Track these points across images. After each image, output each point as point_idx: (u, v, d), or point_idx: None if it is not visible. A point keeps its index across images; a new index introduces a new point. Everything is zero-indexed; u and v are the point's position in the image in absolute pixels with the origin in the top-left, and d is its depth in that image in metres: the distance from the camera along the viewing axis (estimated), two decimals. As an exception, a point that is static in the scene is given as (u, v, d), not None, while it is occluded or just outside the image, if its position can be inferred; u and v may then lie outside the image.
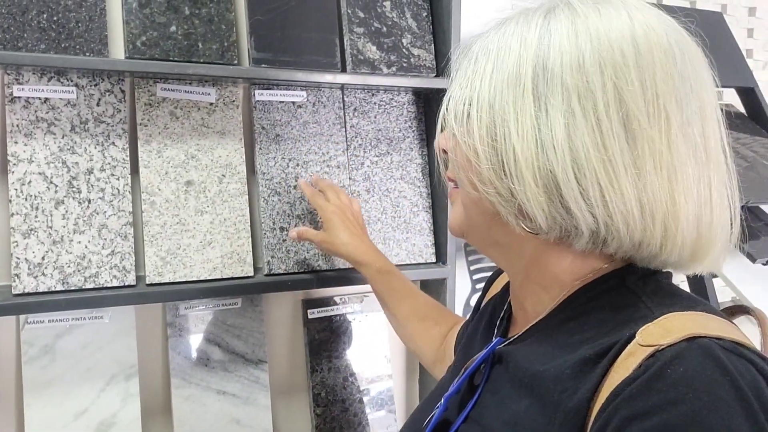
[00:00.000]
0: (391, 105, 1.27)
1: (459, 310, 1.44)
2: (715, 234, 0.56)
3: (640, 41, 0.53)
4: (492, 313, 0.77)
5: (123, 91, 1.07)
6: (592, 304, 0.58)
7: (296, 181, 1.18)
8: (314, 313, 1.28)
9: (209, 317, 1.18)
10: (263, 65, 1.11)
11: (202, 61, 1.06)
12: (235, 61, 1.09)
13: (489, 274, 0.98)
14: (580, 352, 0.54)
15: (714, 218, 0.55)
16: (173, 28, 1.04)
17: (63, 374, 1.07)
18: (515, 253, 0.63)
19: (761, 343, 0.59)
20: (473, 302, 1.25)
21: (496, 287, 0.84)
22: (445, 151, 0.66)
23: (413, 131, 1.29)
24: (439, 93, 1.24)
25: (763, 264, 1.32)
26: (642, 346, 0.49)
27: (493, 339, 0.68)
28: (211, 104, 1.13)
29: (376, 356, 1.32)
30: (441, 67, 1.24)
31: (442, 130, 0.65)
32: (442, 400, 0.67)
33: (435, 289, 1.30)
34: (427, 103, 1.30)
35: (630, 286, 0.57)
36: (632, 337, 0.51)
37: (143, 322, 1.14)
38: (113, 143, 1.05)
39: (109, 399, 1.10)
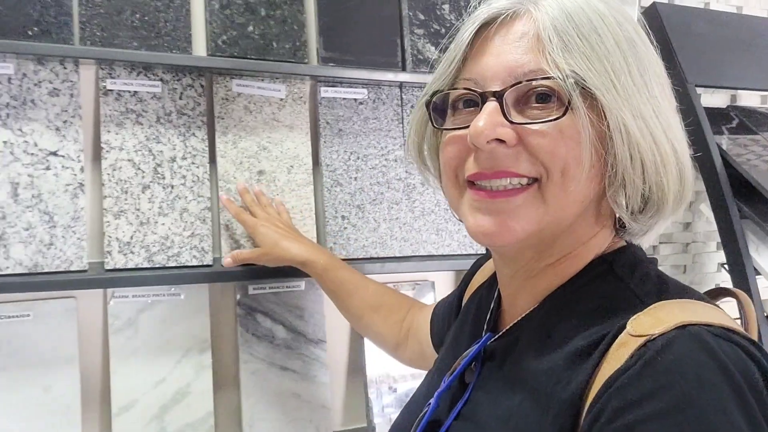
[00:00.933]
0: (446, 102, 1.34)
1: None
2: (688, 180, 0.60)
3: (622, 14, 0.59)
4: (478, 307, 0.75)
5: (202, 86, 1.16)
6: (581, 293, 0.58)
7: (356, 173, 1.26)
8: (369, 298, 1.36)
9: (274, 298, 1.27)
10: (331, 64, 1.19)
11: (276, 59, 1.14)
12: (306, 60, 1.17)
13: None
14: (572, 344, 0.54)
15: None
16: (251, 28, 1.13)
17: (144, 345, 1.16)
18: (556, 251, 0.61)
19: (743, 325, 0.62)
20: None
21: (478, 280, 0.83)
22: (497, 141, 0.56)
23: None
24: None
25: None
26: (633, 336, 0.50)
27: (483, 335, 0.67)
28: (281, 100, 1.21)
29: (427, 340, 1.39)
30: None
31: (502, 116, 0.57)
32: (434, 398, 0.66)
33: (484, 278, 1.37)
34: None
35: (618, 274, 0.58)
36: (623, 327, 0.51)
37: (216, 301, 1.24)
38: (194, 134, 1.15)
39: (184, 370, 1.19)
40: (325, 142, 1.24)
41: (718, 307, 0.55)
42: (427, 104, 0.64)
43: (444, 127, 0.62)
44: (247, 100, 1.19)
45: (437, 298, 1.42)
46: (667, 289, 0.56)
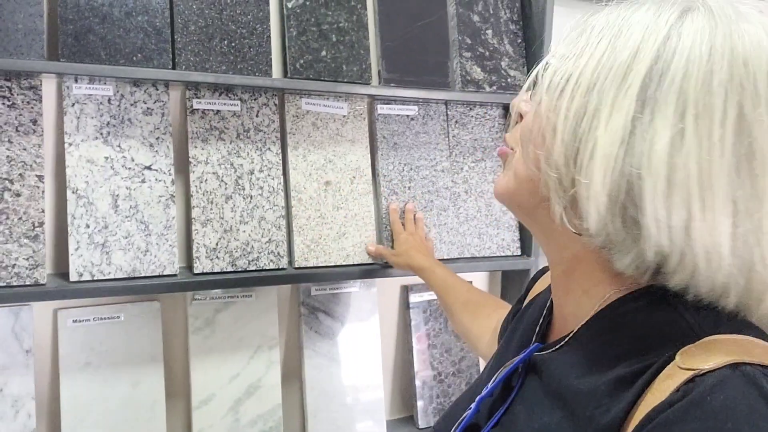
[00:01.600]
0: (485, 118, 1.47)
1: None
2: None
3: None
4: (533, 315, 0.73)
5: (276, 105, 1.26)
6: (630, 317, 0.55)
7: (409, 183, 1.37)
8: (414, 298, 1.48)
9: (334, 299, 1.38)
10: (392, 84, 1.31)
11: (346, 80, 1.25)
12: (371, 82, 1.28)
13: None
14: (616, 369, 0.52)
15: None
16: (324, 53, 1.24)
17: (221, 343, 1.26)
18: (557, 243, 0.60)
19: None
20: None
21: (540, 286, 0.81)
22: (521, 116, 0.62)
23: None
24: (528, 109, 1.44)
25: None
26: (681, 368, 0.47)
27: (531, 344, 0.66)
28: (344, 116, 1.32)
29: (466, 336, 1.52)
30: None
31: (528, 92, 0.61)
32: (474, 403, 0.65)
33: (519, 279, 1.50)
34: (515, 117, 1.50)
35: (672, 301, 0.53)
36: (671, 357, 0.48)
37: (282, 301, 1.34)
38: (269, 149, 1.25)
39: (256, 366, 1.29)
40: (382, 154, 1.36)
41: None
42: None
43: None
44: (314, 117, 1.29)
45: (475, 296, 1.55)
46: (724, 321, 0.51)
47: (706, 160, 0.46)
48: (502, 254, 1.48)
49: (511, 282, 1.55)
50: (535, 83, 0.58)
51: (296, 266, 1.26)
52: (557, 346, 0.61)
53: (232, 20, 1.18)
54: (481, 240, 1.45)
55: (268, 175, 1.25)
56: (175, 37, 1.13)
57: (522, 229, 1.50)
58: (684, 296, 0.52)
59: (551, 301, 0.69)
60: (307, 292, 1.36)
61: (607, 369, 0.53)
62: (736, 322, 0.51)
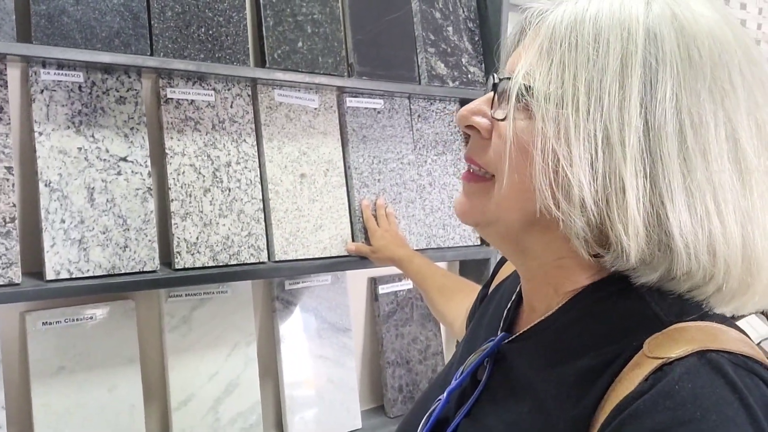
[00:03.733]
0: (444, 112, 1.52)
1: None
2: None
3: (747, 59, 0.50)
4: (499, 302, 0.72)
5: (249, 96, 1.24)
6: (598, 307, 0.55)
7: (379, 176, 1.40)
8: (382, 289, 1.50)
9: (307, 291, 1.37)
10: (365, 77, 1.32)
11: (321, 72, 1.26)
12: (345, 74, 1.29)
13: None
14: (585, 359, 0.52)
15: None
16: (300, 44, 1.24)
17: (198, 342, 1.22)
18: (537, 258, 0.58)
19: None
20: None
21: (506, 271, 0.80)
22: (472, 127, 0.57)
23: (460, 135, 1.55)
24: (486, 103, 1.51)
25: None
26: (649, 357, 0.47)
27: (498, 333, 0.65)
28: (315, 109, 1.32)
29: (429, 323, 1.56)
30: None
31: (486, 106, 0.56)
32: (445, 394, 0.64)
33: (478, 268, 1.56)
34: (471, 112, 1.56)
35: (639, 290, 0.53)
36: (639, 346, 0.49)
37: (256, 296, 1.32)
38: (245, 140, 1.23)
39: (234, 363, 1.26)
40: (352, 147, 1.37)
41: (741, 330, 0.52)
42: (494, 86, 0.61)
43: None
44: (287, 109, 1.29)
45: (438, 286, 1.60)
46: (690, 308, 0.51)
47: (715, 173, 0.48)
48: (464, 244, 1.53)
49: (468, 271, 1.61)
50: (498, 97, 0.55)
51: (276, 259, 1.24)
52: (525, 336, 0.60)
53: (208, 7, 1.15)
54: (445, 231, 1.50)
55: (245, 168, 1.22)
56: (152, 22, 1.09)
57: (481, 219, 1.56)
58: (652, 287, 0.52)
59: (518, 291, 0.68)
60: (281, 286, 1.34)
61: (575, 359, 0.53)
62: (699, 309, 0.51)
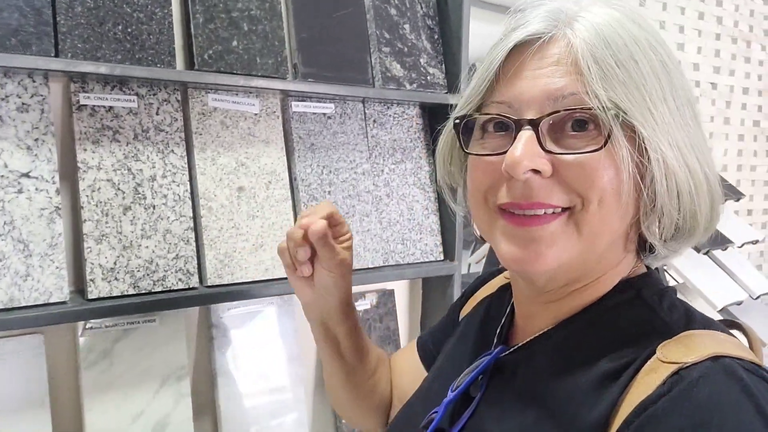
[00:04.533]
0: (402, 117, 1.40)
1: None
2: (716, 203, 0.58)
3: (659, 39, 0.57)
4: (485, 321, 0.73)
5: (178, 101, 1.11)
6: (607, 317, 0.57)
7: (329, 187, 1.27)
8: (335, 310, 1.37)
9: (249, 317, 1.24)
10: (310, 80, 1.19)
11: (260, 74, 1.12)
12: (288, 76, 1.16)
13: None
14: (598, 366, 0.53)
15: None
16: (235, 43, 1.10)
17: (121, 378, 1.08)
18: (584, 277, 0.59)
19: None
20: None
21: (481, 294, 0.80)
22: (532, 172, 0.54)
23: (421, 141, 1.43)
24: (447, 108, 1.39)
25: (704, 253, 1.60)
26: (664, 362, 0.49)
27: (493, 347, 0.65)
28: (256, 114, 1.19)
29: (389, 347, 1.44)
30: (451, 85, 1.38)
31: (537, 147, 0.54)
32: (441, 406, 0.63)
33: (442, 285, 1.44)
34: (433, 116, 1.44)
35: (646, 300, 0.56)
36: (652, 353, 0.50)
37: (190, 325, 1.18)
38: (172, 151, 1.09)
39: (163, 400, 1.12)
40: (298, 156, 1.24)
41: (737, 338, 0.56)
42: (456, 126, 0.61)
43: (474, 152, 0.59)
44: (223, 115, 1.15)
45: (398, 305, 1.47)
46: (695, 319, 0.55)
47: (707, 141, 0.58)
48: (426, 260, 1.41)
49: (433, 288, 1.49)
50: (556, 131, 0.55)
51: (208, 284, 1.11)
52: (524, 347, 0.61)
53: (126, 2, 1.01)
54: (405, 246, 1.38)
55: (173, 181, 1.09)
56: (58, 19, 0.95)
57: (444, 233, 1.44)
58: (660, 297, 0.57)
59: (512, 306, 0.68)
60: (218, 312, 1.21)
61: (587, 366, 0.53)
62: (703, 318, 0.55)
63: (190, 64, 1.09)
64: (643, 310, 0.56)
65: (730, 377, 0.47)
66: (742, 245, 1.65)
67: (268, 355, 1.25)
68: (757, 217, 2.78)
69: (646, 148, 0.53)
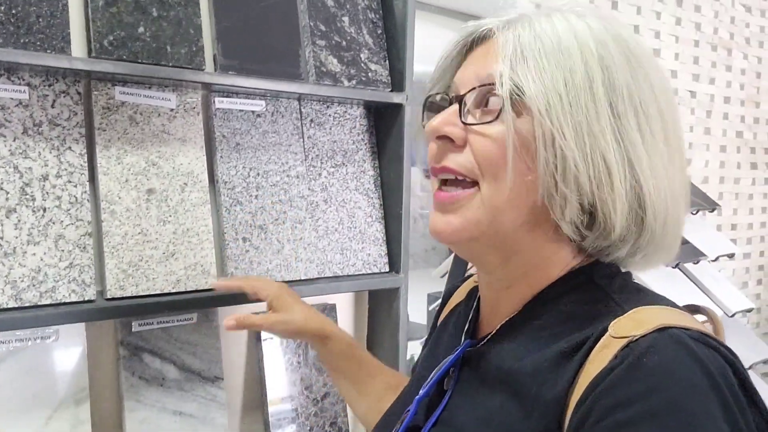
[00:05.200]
0: (344, 117, 1.29)
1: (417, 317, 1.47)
2: (674, 225, 0.60)
3: (634, 46, 0.59)
4: (456, 320, 0.76)
5: (79, 93, 1.00)
6: (562, 300, 0.60)
7: (257, 191, 1.16)
8: (268, 327, 1.25)
9: (164, 334, 1.12)
10: (231, 72, 1.09)
11: (171, 65, 1.02)
12: (204, 67, 1.06)
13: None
14: (554, 347, 0.56)
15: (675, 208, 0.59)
16: (141, 30, 1.00)
17: (3, 405, 0.96)
18: (522, 260, 0.62)
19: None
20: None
21: (458, 298, 0.82)
22: (446, 137, 0.60)
23: (365, 143, 1.32)
24: (392, 107, 1.28)
25: (673, 267, 1.49)
26: (615, 338, 0.52)
27: (462, 342, 0.68)
28: (172, 110, 1.08)
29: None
30: (396, 82, 1.28)
31: (453, 113, 0.61)
32: (413, 404, 0.66)
33: (388, 299, 1.33)
34: (378, 116, 1.33)
35: (598, 283, 0.60)
36: (605, 330, 0.53)
37: (94, 342, 1.06)
38: (69, 148, 0.98)
39: (57, 428, 1.00)
40: (221, 157, 1.13)
41: (690, 314, 0.58)
42: (423, 105, 0.68)
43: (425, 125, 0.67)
44: (132, 110, 1.04)
45: (339, 320, 1.36)
46: (645, 297, 0.58)
47: (663, 151, 0.58)
48: (369, 271, 1.29)
49: (380, 303, 1.37)
50: (471, 105, 0.60)
51: (109, 297, 0.99)
52: (490, 338, 0.64)
53: (11, -20, 0.90)
54: (344, 256, 1.26)
55: (69, 182, 0.97)
56: (-76, -6, 0.84)
57: (390, 243, 1.32)
58: (610, 280, 0.60)
59: (477, 303, 0.71)
60: (127, 328, 1.09)
61: (545, 348, 0.57)
62: (654, 296, 0.59)
63: (89, 52, 0.98)
64: (594, 291, 0.59)
65: (677, 345, 0.49)
66: (717, 258, 1.53)
67: (184, 374, 1.13)
68: (741, 232, 2.67)
69: (535, 127, 0.56)
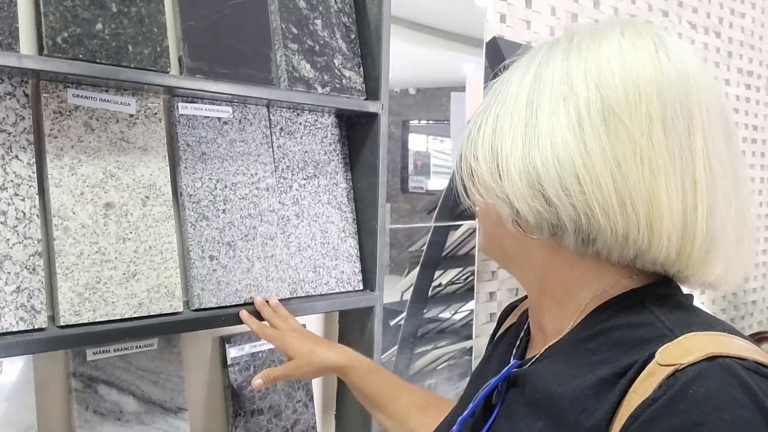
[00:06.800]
0: (315, 126, 1.22)
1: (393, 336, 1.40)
2: (715, 244, 0.56)
3: (629, 57, 0.57)
4: (508, 341, 0.75)
5: (27, 95, 0.89)
6: (610, 323, 0.58)
7: (224, 204, 1.07)
8: (234, 352, 1.16)
9: (122, 363, 1.02)
10: (198, 76, 1.00)
11: (133, 66, 0.92)
12: (169, 69, 0.97)
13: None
14: (598, 373, 0.53)
15: (709, 225, 0.55)
16: (99, 26, 0.90)
17: (-62, 448, 0.84)
18: (527, 264, 0.64)
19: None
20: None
21: (512, 319, 0.82)
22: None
23: (337, 154, 1.25)
24: (366, 117, 1.22)
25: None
26: (661, 366, 0.49)
27: (510, 362, 0.66)
28: (132, 116, 0.99)
29: (299, 392, 1.23)
30: (370, 90, 1.22)
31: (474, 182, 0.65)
32: (456, 425, 0.66)
33: (361, 319, 1.26)
34: (350, 126, 1.27)
35: (648, 305, 0.57)
36: (651, 356, 0.50)
37: (42, 373, 0.95)
38: (16, 157, 0.87)
39: (-1, 473, 0.88)
40: (186, 167, 1.04)
41: (749, 340, 0.54)
42: None
43: None
44: (87, 115, 0.94)
45: (310, 343, 1.27)
46: (698, 321, 0.55)
47: (578, 129, 0.56)
48: (343, 289, 1.22)
49: (350, 323, 1.30)
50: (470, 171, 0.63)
51: (62, 324, 0.88)
52: (538, 359, 0.62)
53: (-51, -34, 0.79)
54: (317, 274, 1.19)
55: (15, 195, 0.86)
56: None
57: (364, 259, 1.26)
58: (662, 302, 0.57)
59: (528, 324, 0.71)
60: (81, 356, 0.98)
61: (588, 373, 0.54)
62: (708, 320, 0.55)
63: (40, 49, 0.87)
64: (644, 314, 0.56)
65: (727, 375, 0.46)
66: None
67: (144, 406, 1.03)
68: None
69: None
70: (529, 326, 0.71)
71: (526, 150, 0.57)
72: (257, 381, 0.95)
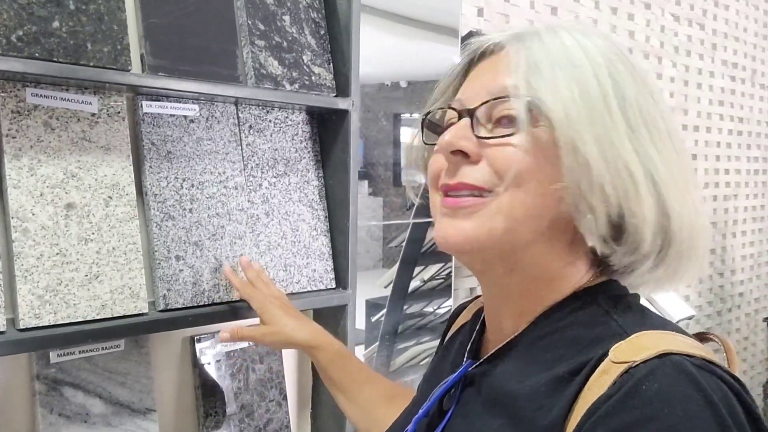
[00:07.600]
0: (285, 123, 1.21)
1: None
2: (696, 242, 0.58)
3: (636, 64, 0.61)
4: (461, 340, 0.75)
5: (-17, 95, 0.88)
6: (564, 322, 0.59)
7: (191, 204, 1.06)
8: (205, 351, 1.15)
9: (87, 364, 1.01)
10: (160, 73, 0.99)
11: (92, 64, 0.91)
12: (130, 67, 0.95)
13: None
14: (554, 371, 0.54)
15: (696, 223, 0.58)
16: (56, 24, 0.88)
17: None
18: (528, 272, 0.61)
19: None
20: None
21: (463, 319, 0.82)
22: (457, 153, 0.59)
23: (308, 152, 1.24)
24: (337, 113, 1.21)
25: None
26: (615, 363, 0.50)
27: (464, 362, 0.67)
28: (93, 115, 0.97)
29: (272, 391, 1.22)
30: (341, 87, 1.21)
31: (467, 127, 0.60)
32: (411, 424, 0.66)
33: (334, 317, 1.25)
34: (322, 123, 1.26)
35: (602, 305, 0.58)
36: (605, 354, 0.52)
37: (4, 377, 0.94)
38: (-28, 158, 0.86)
39: (-40, 478, 0.87)
40: (150, 167, 1.03)
41: (696, 340, 0.55)
42: (422, 122, 0.68)
43: (432, 143, 0.67)
44: (47, 115, 0.93)
45: (283, 342, 1.27)
46: (650, 320, 0.57)
47: (677, 162, 0.58)
48: (315, 288, 1.21)
49: (324, 322, 1.29)
50: (481, 119, 0.59)
51: (21, 327, 0.87)
52: (492, 358, 0.63)
53: None
54: (287, 273, 1.18)
55: (-28, 197, 0.85)
56: None
57: (336, 257, 1.25)
58: (615, 302, 0.58)
59: (482, 323, 0.71)
60: (44, 359, 0.97)
61: (543, 371, 0.55)
62: (659, 320, 0.57)
63: (-6, 49, 0.86)
64: (597, 313, 0.57)
65: (678, 372, 0.48)
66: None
67: (111, 408, 1.02)
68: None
69: (558, 137, 0.55)
70: (482, 326, 0.71)
71: (649, 178, 0.56)
72: (224, 335, 0.95)
